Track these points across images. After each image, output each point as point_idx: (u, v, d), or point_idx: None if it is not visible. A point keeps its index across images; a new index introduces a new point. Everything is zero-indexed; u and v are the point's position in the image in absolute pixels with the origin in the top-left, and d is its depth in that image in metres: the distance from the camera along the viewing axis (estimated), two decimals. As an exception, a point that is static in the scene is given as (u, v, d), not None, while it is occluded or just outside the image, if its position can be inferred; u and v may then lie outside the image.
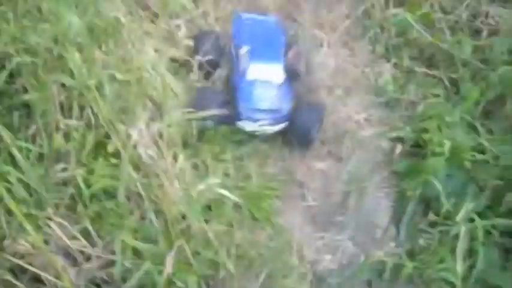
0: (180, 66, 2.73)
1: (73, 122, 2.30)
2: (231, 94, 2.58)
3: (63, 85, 2.26)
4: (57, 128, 2.30)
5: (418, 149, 2.75)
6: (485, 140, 2.71)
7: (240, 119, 2.56)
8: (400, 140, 2.81)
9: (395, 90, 3.00)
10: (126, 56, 2.40)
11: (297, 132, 2.64)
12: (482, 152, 2.68)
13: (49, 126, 2.31)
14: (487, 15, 3.27)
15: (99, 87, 2.12)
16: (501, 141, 2.72)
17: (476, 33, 3.23)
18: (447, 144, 2.57)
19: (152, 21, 2.83)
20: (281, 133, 2.67)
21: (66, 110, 2.33)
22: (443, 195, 2.51)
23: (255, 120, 2.55)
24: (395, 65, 3.10)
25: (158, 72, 2.44)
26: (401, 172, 2.74)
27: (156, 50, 2.58)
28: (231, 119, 2.56)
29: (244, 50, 2.58)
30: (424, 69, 3.07)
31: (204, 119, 2.45)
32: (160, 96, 2.31)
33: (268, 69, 2.57)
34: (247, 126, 2.57)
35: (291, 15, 3.16)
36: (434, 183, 2.53)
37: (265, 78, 2.57)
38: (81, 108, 2.32)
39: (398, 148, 2.76)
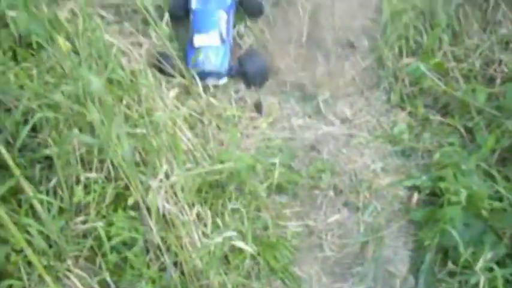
0: (198, 118, 2.78)
1: (93, 175, 2.36)
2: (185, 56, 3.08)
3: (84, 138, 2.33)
4: (78, 181, 2.36)
5: (434, 197, 2.74)
6: (502, 187, 2.70)
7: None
8: (416, 188, 2.81)
9: (411, 138, 3.02)
10: (146, 109, 2.46)
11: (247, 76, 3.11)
12: (500, 200, 2.66)
13: (70, 178, 2.36)
14: (500, 63, 3.30)
15: (119, 142, 2.17)
16: (519, 189, 2.72)
17: (490, 81, 3.26)
18: (464, 193, 2.57)
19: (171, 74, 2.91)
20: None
21: (86, 162, 2.39)
22: (461, 245, 2.48)
23: (202, 79, 2.97)
24: (410, 113, 3.13)
25: (176, 125, 2.50)
26: (419, 221, 2.73)
27: (175, 105, 2.64)
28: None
29: (191, 17, 3.13)
30: (439, 118, 3.09)
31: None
32: (178, 149, 2.35)
33: (205, 37, 3.05)
34: (201, 81, 2.97)
35: (305, 68, 3.23)
36: (451, 232, 2.51)
37: (204, 45, 3.03)
38: (101, 161, 2.38)
39: (415, 197, 2.76)
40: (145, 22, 2.99)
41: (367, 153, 2.96)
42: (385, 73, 3.21)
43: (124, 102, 2.42)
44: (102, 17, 3.18)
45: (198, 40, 3.04)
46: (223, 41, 3.07)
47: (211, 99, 2.94)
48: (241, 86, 3.13)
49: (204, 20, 3.09)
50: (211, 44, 3.03)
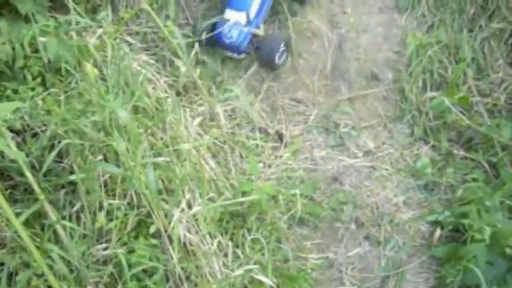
0: (221, 147, 2.79)
1: (116, 202, 2.37)
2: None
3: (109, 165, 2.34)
4: (101, 207, 2.37)
5: (457, 234, 2.72)
6: (527, 225, 2.67)
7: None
8: (439, 224, 2.78)
9: (434, 173, 3.00)
10: (170, 137, 2.47)
11: (262, 59, 3.29)
12: (524, 238, 2.63)
13: (93, 204, 2.37)
14: (525, 97, 3.30)
15: (143, 171, 2.19)
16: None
17: (515, 115, 3.25)
18: (487, 231, 2.53)
19: (195, 102, 2.93)
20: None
21: (110, 189, 2.41)
22: (485, 283, 2.45)
23: (223, 48, 3.24)
24: (433, 147, 3.13)
25: (200, 155, 2.51)
26: (441, 257, 2.71)
27: (198, 133, 2.66)
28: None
29: None
30: (462, 152, 3.08)
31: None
32: (201, 179, 2.36)
33: (234, 14, 3.22)
34: (222, 50, 3.26)
35: (329, 99, 3.24)
36: (475, 270, 2.47)
37: (230, 20, 3.21)
38: (125, 188, 2.40)
39: (438, 232, 2.73)
40: (172, 50, 3.04)
41: (389, 186, 2.95)
42: (408, 106, 3.21)
43: (149, 130, 2.43)
44: (129, 44, 3.24)
45: (229, 14, 3.24)
46: (249, 22, 3.23)
47: (235, 128, 2.96)
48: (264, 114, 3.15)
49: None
50: (238, 21, 3.20)
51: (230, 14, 3.23)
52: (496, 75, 3.34)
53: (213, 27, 3.22)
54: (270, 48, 3.22)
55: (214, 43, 3.23)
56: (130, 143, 2.16)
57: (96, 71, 2.47)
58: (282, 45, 3.24)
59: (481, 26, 3.39)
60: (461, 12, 3.39)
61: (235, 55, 3.25)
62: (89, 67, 2.35)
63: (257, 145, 2.95)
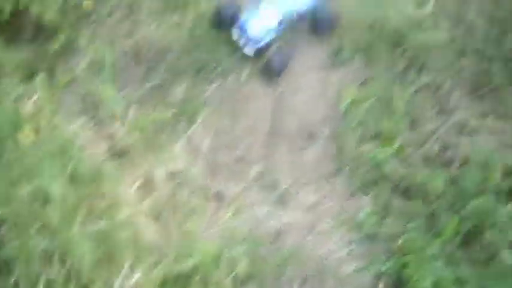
0: (161, 210, 2.76)
1: (54, 273, 2.29)
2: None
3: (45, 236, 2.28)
4: (37, 281, 2.29)
5: (400, 284, 2.75)
6: (466, 272, 2.73)
7: (234, 27, 3.41)
8: (382, 275, 2.81)
9: (375, 224, 3.04)
10: (109, 203, 2.44)
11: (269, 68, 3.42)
12: (465, 284, 2.68)
13: (29, 278, 2.30)
14: (457, 147, 3.41)
15: (79, 242, 2.15)
16: (482, 273, 2.74)
17: (448, 163, 3.35)
18: (428, 280, 2.58)
19: (133, 165, 2.91)
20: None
21: (47, 260, 2.34)
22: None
23: (239, 34, 3.38)
24: (372, 198, 3.17)
25: (140, 219, 2.48)
26: (386, 308, 2.73)
27: (138, 196, 2.63)
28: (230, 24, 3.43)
29: None
30: (401, 203, 3.14)
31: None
32: (140, 246, 2.33)
33: (272, 14, 3.40)
34: (234, 34, 3.40)
35: (268, 157, 3.28)
36: (419, 320, 2.51)
37: (265, 16, 3.38)
38: (62, 261, 2.33)
39: (381, 284, 2.76)
40: (110, 113, 3.04)
41: (332, 240, 2.98)
42: (346, 159, 3.28)
43: (86, 197, 2.40)
44: (67, 108, 3.23)
45: (264, 11, 3.41)
46: (278, 27, 3.40)
47: (175, 189, 2.94)
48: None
49: (282, 2, 3.44)
50: (269, 21, 3.38)
51: (266, 11, 3.40)
52: (428, 125, 3.45)
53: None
54: (284, 58, 3.40)
55: (231, 25, 3.38)
56: (65, 215, 2.12)
57: (31, 138, 2.45)
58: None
59: (411, 80, 3.52)
60: (392, 67, 3.52)
61: (246, 47, 3.37)
62: (23, 135, 2.33)
63: (198, 206, 2.94)
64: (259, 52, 3.37)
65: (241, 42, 3.36)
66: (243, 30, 3.35)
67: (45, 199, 2.21)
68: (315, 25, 3.54)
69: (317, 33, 3.55)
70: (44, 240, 2.23)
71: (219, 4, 3.45)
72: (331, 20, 3.55)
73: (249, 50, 3.37)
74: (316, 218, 3.05)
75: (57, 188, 2.16)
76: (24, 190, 2.25)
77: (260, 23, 3.36)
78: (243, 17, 3.36)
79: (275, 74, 3.40)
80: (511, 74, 3.74)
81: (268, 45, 3.37)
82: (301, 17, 3.49)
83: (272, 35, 3.37)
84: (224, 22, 3.43)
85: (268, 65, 3.38)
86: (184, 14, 3.45)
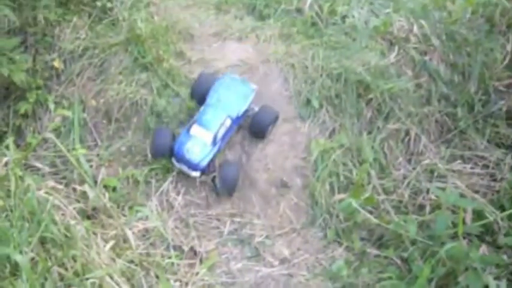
0: (134, 270, 2.73)
1: None
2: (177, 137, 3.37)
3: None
4: None
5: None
6: (442, 320, 2.73)
7: (172, 156, 3.33)
8: (358, 328, 2.81)
9: (350, 274, 3.04)
10: (81, 265, 2.41)
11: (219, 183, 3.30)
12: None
13: None
14: (427, 192, 3.46)
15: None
16: (459, 318, 2.75)
17: (420, 209, 3.40)
18: (405, 329, 2.58)
19: (106, 225, 2.89)
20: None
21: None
22: None
23: (178, 161, 3.30)
24: (347, 248, 3.20)
25: (113, 280, 2.46)
26: None
27: (111, 257, 2.61)
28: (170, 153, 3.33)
29: (201, 108, 3.39)
30: (375, 251, 3.17)
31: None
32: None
33: (201, 131, 3.30)
34: (175, 163, 3.32)
35: (240, 211, 3.30)
36: None
37: (197, 136, 3.30)
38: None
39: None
40: (81, 174, 3.03)
41: (308, 292, 2.97)
42: (319, 210, 3.30)
43: (57, 261, 2.36)
44: (37, 169, 3.21)
45: (195, 130, 3.30)
46: (214, 143, 3.30)
47: (149, 248, 2.92)
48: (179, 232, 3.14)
49: (211, 118, 3.33)
50: (203, 140, 3.28)
51: (197, 131, 3.30)
52: (397, 172, 3.51)
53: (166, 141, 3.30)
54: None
55: (170, 155, 3.29)
56: (33, 284, 2.09)
57: (0, 202, 2.43)
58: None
59: (378, 128, 3.59)
60: (359, 116, 3.59)
61: (190, 171, 3.28)
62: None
63: (172, 263, 2.92)
64: (206, 170, 3.33)
65: (184, 169, 3.30)
66: (180, 157, 3.27)
67: (12, 269, 2.18)
68: (254, 127, 3.47)
69: (257, 136, 3.48)
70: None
71: (153, 139, 3.37)
72: (269, 120, 3.45)
73: (195, 174, 3.31)
74: (292, 270, 3.04)
75: (25, 256, 2.13)
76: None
77: (195, 145, 3.26)
78: (177, 144, 3.29)
79: (227, 191, 3.32)
80: (476, 117, 3.84)
81: (212, 161, 3.33)
82: (237, 122, 3.44)
83: (212, 151, 3.31)
84: (162, 153, 3.35)
85: (219, 184, 3.30)
86: (154, 72, 3.51)
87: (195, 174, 3.30)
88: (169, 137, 3.34)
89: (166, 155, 3.32)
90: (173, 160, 3.30)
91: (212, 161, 3.30)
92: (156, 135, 3.36)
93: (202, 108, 3.37)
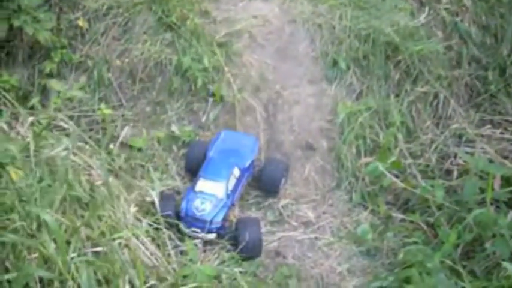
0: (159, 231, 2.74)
1: (54, 298, 2.28)
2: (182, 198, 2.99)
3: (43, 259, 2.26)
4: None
5: (403, 299, 2.73)
6: (468, 284, 2.70)
7: (181, 221, 2.90)
8: (384, 290, 2.80)
9: (375, 238, 3.02)
10: (107, 226, 2.42)
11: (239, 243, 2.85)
12: (468, 298, 2.66)
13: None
14: (455, 156, 3.41)
15: (78, 264, 2.13)
16: (485, 284, 2.72)
17: (447, 174, 3.37)
18: (431, 294, 2.56)
19: (132, 186, 2.89)
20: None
21: (46, 284, 2.31)
22: None
23: (189, 226, 2.87)
24: (372, 212, 3.18)
25: (139, 240, 2.47)
26: (387, 324, 2.71)
27: (136, 218, 2.62)
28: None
29: (204, 163, 3.05)
30: (400, 215, 3.14)
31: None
32: (139, 269, 2.30)
33: (211, 185, 2.95)
34: (185, 228, 2.88)
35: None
36: (421, 335, 2.49)
37: (206, 191, 2.93)
38: (62, 282, 2.31)
39: (383, 300, 2.74)
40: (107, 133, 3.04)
41: (332, 256, 2.96)
42: (345, 173, 3.28)
43: (84, 221, 2.37)
44: (62, 129, 3.21)
45: (202, 185, 2.95)
46: (227, 196, 2.95)
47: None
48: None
49: (217, 168, 3.02)
50: (214, 194, 2.93)
51: (204, 185, 2.95)
52: (425, 136, 3.47)
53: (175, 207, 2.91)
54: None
55: (179, 219, 2.89)
56: (60, 242, 2.11)
57: (20, 174, 2.43)
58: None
59: (406, 91, 3.53)
60: (387, 79, 3.52)
61: (202, 234, 2.87)
62: (12, 171, 2.32)
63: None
64: (223, 230, 2.94)
65: (198, 231, 2.87)
66: (190, 218, 2.88)
67: (40, 226, 2.19)
68: (266, 184, 3.19)
69: (268, 190, 3.20)
70: (41, 268, 2.20)
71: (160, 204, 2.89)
72: (280, 171, 3.18)
73: (210, 236, 2.89)
74: (316, 234, 3.04)
75: (52, 214, 2.14)
76: (19, 218, 2.23)
77: (205, 202, 2.90)
78: (183, 205, 2.91)
79: (252, 253, 2.88)
80: (507, 81, 3.76)
81: (226, 219, 2.98)
82: (246, 174, 3.12)
83: (226, 205, 2.94)
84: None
85: (241, 248, 2.85)
86: (178, 32, 3.46)
87: (211, 236, 2.89)
88: (172, 199, 2.98)
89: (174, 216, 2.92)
90: (182, 225, 2.87)
91: (226, 218, 2.97)
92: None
93: (204, 164, 3.06)
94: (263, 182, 3.17)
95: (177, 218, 2.87)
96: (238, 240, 2.83)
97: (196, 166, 3.08)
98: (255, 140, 3.24)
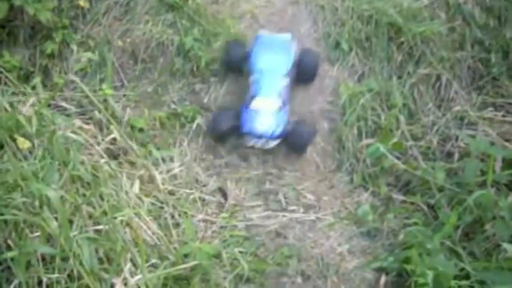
0: (161, 210, 2.76)
1: (55, 275, 2.29)
2: (239, 116, 3.16)
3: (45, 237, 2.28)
4: (40, 282, 2.29)
5: (402, 279, 2.74)
6: (468, 265, 2.72)
7: (243, 135, 3.17)
8: (383, 270, 2.80)
9: (375, 219, 3.03)
10: (109, 205, 2.43)
11: (293, 145, 3.21)
12: (466, 278, 2.67)
13: (31, 279, 2.29)
14: (457, 139, 3.41)
15: (81, 242, 2.15)
16: (484, 265, 2.73)
17: (448, 156, 3.36)
18: (430, 275, 2.57)
19: (134, 165, 2.90)
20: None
21: (48, 262, 2.33)
22: (429, 329, 2.48)
23: (252, 140, 3.14)
24: (373, 193, 3.18)
25: (141, 219, 2.48)
26: (387, 304, 2.73)
27: (138, 197, 2.63)
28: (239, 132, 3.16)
29: (252, 79, 3.21)
30: (401, 197, 3.14)
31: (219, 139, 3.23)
32: (140, 245, 2.32)
33: (266, 101, 3.12)
34: (249, 142, 3.17)
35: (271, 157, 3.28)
36: (420, 315, 2.50)
37: (263, 108, 3.11)
38: (64, 259, 2.33)
39: (383, 279, 2.75)
40: (108, 114, 3.03)
41: (333, 236, 2.97)
42: (346, 154, 3.28)
43: (86, 199, 2.39)
44: (64, 109, 3.21)
45: (258, 103, 3.12)
46: (283, 103, 3.15)
47: (175, 189, 2.94)
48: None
49: (267, 85, 3.16)
50: (271, 108, 3.11)
51: (260, 103, 3.12)
52: (427, 118, 3.46)
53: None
54: (305, 135, 3.20)
55: (239, 135, 3.15)
56: (63, 219, 2.12)
57: (27, 143, 2.44)
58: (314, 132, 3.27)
59: (409, 73, 3.52)
60: (389, 60, 3.51)
61: (268, 143, 3.13)
62: (20, 140, 2.32)
63: (198, 204, 2.94)
64: (280, 138, 3.16)
65: (259, 144, 3.15)
66: (252, 134, 3.10)
67: (43, 204, 2.21)
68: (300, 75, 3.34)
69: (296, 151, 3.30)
70: (40, 250, 2.21)
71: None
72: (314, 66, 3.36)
73: (271, 144, 3.15)
74: (317, 214, 3.04)
75: (55, 191, 2.15)
76: (21, 195, 2.24)
77: (265, 118, 3.09)
78: (242, 123, 3.10)
79: (300, 149, 3.25)
80: (510, 64, 3.74)
81: (285, 128, 3.15)
82: (289, 75, 3.26)
83: (285, 113, 3.18)
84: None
85: (292, 146, 3.21)
86: (180, 12, 3.44)
87: (271, 144, 3.16)
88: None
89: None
90: (245, 139, 3.15)
91: (286, 125, 3.16)
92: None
93: (252, 78, 3.21)
94: (292, 143, 3.23)
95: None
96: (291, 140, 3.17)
97: (236, 65, 3.31)
98: (291, 41, 3.33)
